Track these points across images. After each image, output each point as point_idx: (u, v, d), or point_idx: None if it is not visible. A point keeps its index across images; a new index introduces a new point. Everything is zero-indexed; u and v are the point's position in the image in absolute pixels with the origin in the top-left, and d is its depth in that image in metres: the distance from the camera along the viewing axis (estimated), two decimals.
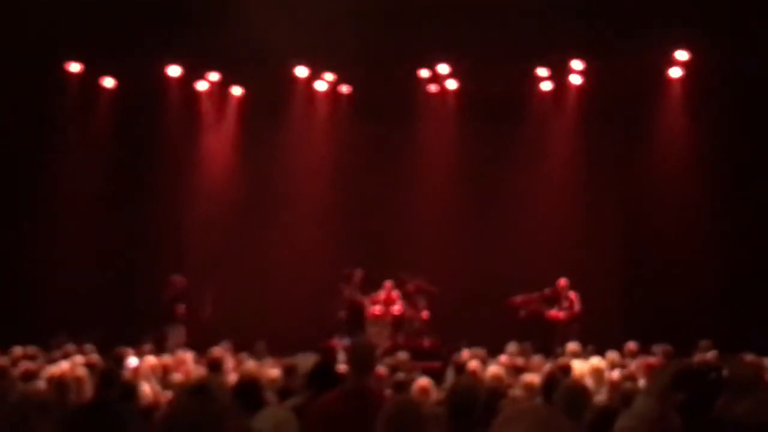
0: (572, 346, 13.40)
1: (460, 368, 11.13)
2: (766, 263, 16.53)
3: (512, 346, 14.03)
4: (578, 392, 5.94)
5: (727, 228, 17.18)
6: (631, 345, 13.71)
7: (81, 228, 18.96)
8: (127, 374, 10.28)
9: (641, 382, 9.04)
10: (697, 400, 3.32)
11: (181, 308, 18.06)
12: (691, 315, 16.64)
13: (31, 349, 12.87)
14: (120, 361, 11.04)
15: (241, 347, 15.79)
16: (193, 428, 3.54)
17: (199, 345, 15.35)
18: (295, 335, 16.15)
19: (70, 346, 13.52)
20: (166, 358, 12.68)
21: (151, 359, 11.77)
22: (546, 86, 19.85)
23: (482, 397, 5.99)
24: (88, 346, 13.52)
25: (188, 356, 13.08)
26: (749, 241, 16.80)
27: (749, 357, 10.28)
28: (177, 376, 11.02)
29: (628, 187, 19.90)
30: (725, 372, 3.67)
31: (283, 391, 8.20)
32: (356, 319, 17.96)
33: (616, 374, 9.93)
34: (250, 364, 12.92)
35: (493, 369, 9.63)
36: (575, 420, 4.96)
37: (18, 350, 12.63)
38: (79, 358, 11.73)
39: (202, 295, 18.42)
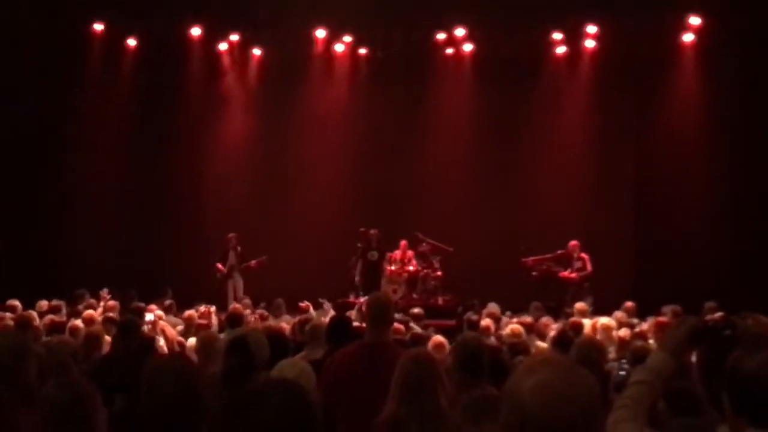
0: (581, 305, 13.58)
1: (473, 326, 11.21)
2: None
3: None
4: (593, 347, 6.14)
5: (740, 191, 17.15)
6: (628, 304, 13.88)
7: (102, 189, 19.27)
8: (145, 328, 10.49)
9: (651, 341, 9.21)
10: (713, 356, 3.38)
11: (239, 260, 18.41)
12: (700, 277, 16.67)
13: (56, 303, 13.25)
14: (139, 315, 11.14)
15: (260, 304, 16.20)
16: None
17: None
18: (312, 293, 16.39)
19: (93, 301, 13.82)
20: (190, 312, 13.04)
21: (159, 313, 12.11)
22: (561, 50, 19.96)
23: (487, 351, 5.91)
24: (111, 302, 13.83)
25: (213, 309, 13.48)
26: (762, 204, 16.79)
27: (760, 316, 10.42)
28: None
29: (640, 150, 19.97)
30: (738, 328, 3.55)
31: (295, 346, 8.43)
32: (372, 278, 18.11)
33: (623, 333, 10.10)
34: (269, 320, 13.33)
35: (514, 326, 9.80)
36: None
37: (43, 303, 13.03)
38: (99, 311, 12.08)
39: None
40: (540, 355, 4.19)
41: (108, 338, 9.09)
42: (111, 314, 11.64)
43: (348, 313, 12.18)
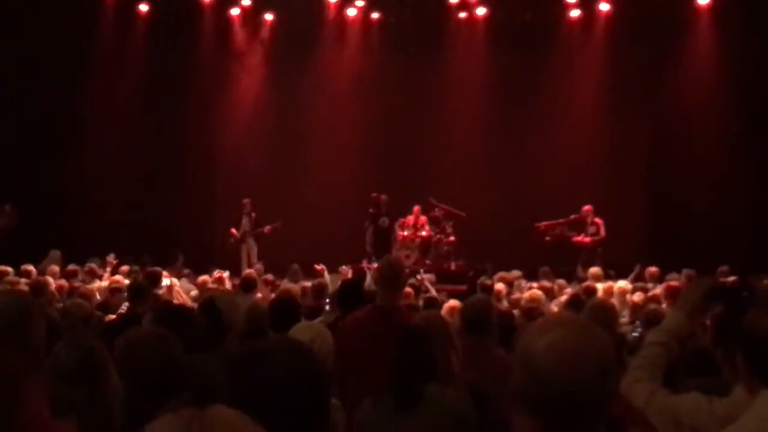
0: (594, 269, 13.60)
1: (487, 290, 11.21)
2: None
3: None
4: (605, 309, 6.07)
5: (754, 155, 17.14)
6: (653, 269, 13.92)
7: (115, 155, 19.27)
8: (161, 293, 10.51)
9: (664, 305, 9.22)
10: (729, 316, 3.35)
11: (253, 226, 18.44)
12: (714, 242, 16.71)
13: (71, 267, 13.30)
14: (155, 280, 11.14)
15: (273, 270, 16.25)
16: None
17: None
18: (327, 259, 16.42)
19: (93, 266, 13.79)
20: (204, 277, 13.10)
21: (175, 281, 12.16)
22: (574, 13, 19.85)
23: (494, 313, 5.89)
24: (124, 267, 13.87)
25: (226, 274, 13.53)
26: None
27: None
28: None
29: (654, 114, 19.85)
30: (754, 290, 3.56)
31: (312, 311, 8.42)
32: (383, 243, 18.12)
33: (637, 297, 10.12)
34: (285, 284, 13.36)
35: (534, 291, 9.77)
36: None
37: (55, 269, 13.06)
38: (117, 277, 12.11)
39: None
40: (553, 316, 4.17)
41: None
42: (120, 278, 11.67)
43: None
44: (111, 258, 14.13)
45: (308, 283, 11.77)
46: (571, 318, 2.97)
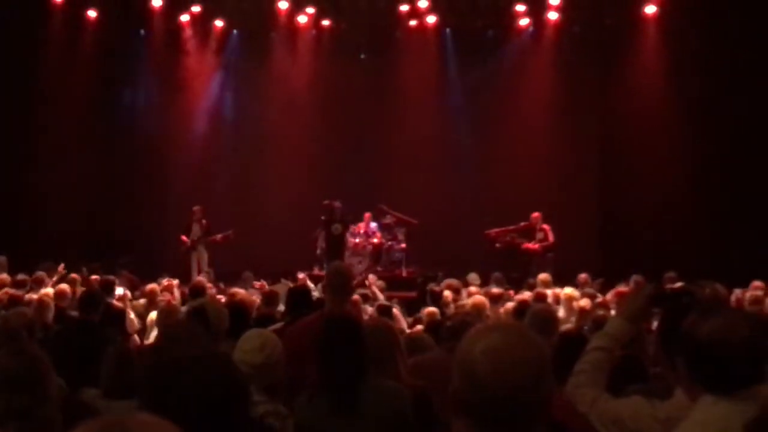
0: (543, 276, 13.65)
1: (436, 297, 11.24)
2: (739, 198, 16.68)
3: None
4: (546, 315, 6.18)
5: (702, 162, 17.28)
6: (583, 276, 14.22)
7: (65, 160, 19.00)
8: (114, 302, 10.41)
9: (612, 311, 9.27)
10: (670, 322, 3.35)
11: (203, 234, 18.25)
12: (663, 247, 16.89)
13: (20, 277, 13.09)
14: (109, 288, 11.01)
15: (224, 277, 16.19)
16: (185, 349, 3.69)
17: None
18: (278, 266, 16.38)
19: (41, 274, 13.56)
20: (153, 285, 12.96)
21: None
22: (524, 22, 20.02)
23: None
24: (74, 275, 13.68)
25: (175, 282, 13.40)
26: (724, 175, 16.93)
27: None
28: (162, 302, 11.20)
29: (603, 121, 20.07)
30: (696, 295, 3.57)
31: (263, 318, 8.39)
32: (335, 250, 18.06)
33: (584, 302, 10.17)
34: (237, 291, 13.26)
35: (478, 297, 9.77)
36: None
37: (4, 277, 12.84)
38: (63, 286, 11.93)
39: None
40: (490, 321, 4.19)
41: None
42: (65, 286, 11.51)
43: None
44: (61, 268, 13.85)
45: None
46: (508, 323, 3.00)
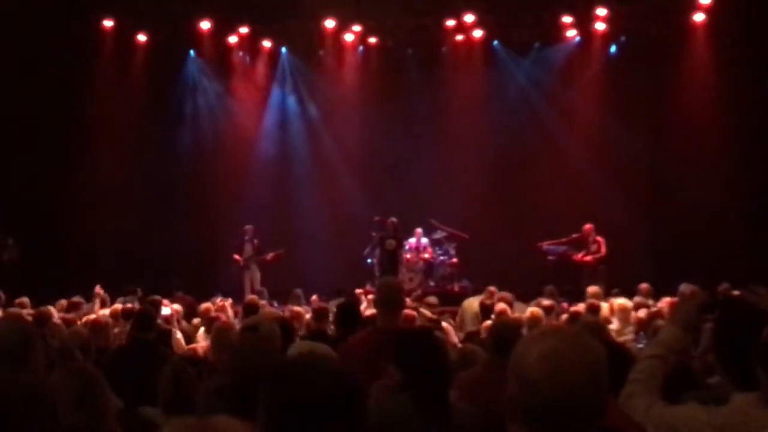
0: (593, 288, 13.51)
1: (488, 310, 11.20)
2: None
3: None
4: (595, 325, 6.15)
5: (753, 171, 17.11)
6: (644, 285, 14.01)
7: (119, 183, 19.25)
8: (160, 322, 10.46)
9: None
10: (725, 329, 3.32)
11: (255, 253, 18.37)
12: (716, 258, 16.64)
13: (76, 299, 13.24)
14: (156, 308, 11.11)
15: (277, 296, 16.26)
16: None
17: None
18: (331, 283, 16.44)
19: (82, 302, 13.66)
20: (207, 305, 13.05)
21: (176, 307, 12.14)
22: (571, 33, 19.96)
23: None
24: (130, 297, 13.81)
25: (229, 301, 13.51)
26: None
27: None
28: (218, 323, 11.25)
29: (654, 131, 19.81)
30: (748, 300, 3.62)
31: (314, 334, 8.40)
32: (390, 266, 18.03)
33: (641, 313, 10.10)
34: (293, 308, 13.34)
35: (533, 309, 9.72)
36: None
37: (63, 302, 13.00)
38: (117, 306, 12.05)
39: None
40: (545, 327, 4.17)
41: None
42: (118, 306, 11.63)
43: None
44: (98, 288, 13.81)
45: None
46: (562, 328, 2.98)
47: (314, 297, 14.99)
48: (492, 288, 13.44)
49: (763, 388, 3.00)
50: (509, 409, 2.20)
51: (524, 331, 8.56)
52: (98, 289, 13.58)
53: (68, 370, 3.42)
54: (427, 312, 11.84)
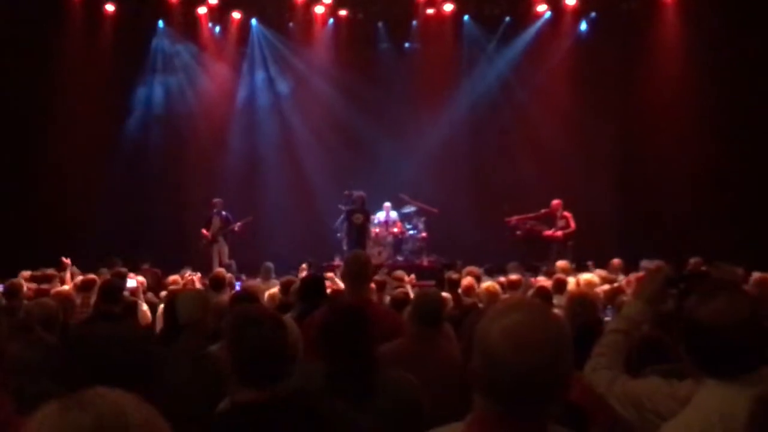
0: (562, 263, 13.55)
1: (454, 285, 11.19)
2: (764, 182, 16.59)
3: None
4: (586, 298, 6.21)
5: (723, 148, 17.19)
6: (616, 261, 14.07)
7: (82, 156, 19.01)
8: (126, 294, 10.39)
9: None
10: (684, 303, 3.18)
11: (224, 225, 18.25)
12: (684, 234, 16.76)
13: (49, 271, 13.09)
14: (122, 280, 11.00)
15: (246, 269, 16.21)
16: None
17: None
18: (299, 256, 16.40)
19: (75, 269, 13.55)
20: (174, 278, 12.97)
21: (141, 279, 12.03)
22: (541, 8, 19.99)
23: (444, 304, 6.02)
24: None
25: (197, 275, 13.43)
26: (745, 161, 16.82)
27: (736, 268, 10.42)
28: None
29: (623, 107, 19.84)
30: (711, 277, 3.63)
31: (282, 307, 8.35)
32: (358, 240, 18.02)
33: (605, 288, 10.11)
34: (256, 282, 13.32)
35: (488, 283, 9.71)
36: None
37: (26, 273, 12.84)
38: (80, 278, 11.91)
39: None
40: (509, 300, 4.15)
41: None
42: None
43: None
44: (66, 260, 13.64)
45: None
46: (526, 302, 2.95)
47: (304, 265, 15.00)
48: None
49: (686, 364, 3.02)
50: (473, 381, 2.20)
51: (480, 305, 8.66)
52: (66, 260, 13.46)
53: (31, 340, 3.40)
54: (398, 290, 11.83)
